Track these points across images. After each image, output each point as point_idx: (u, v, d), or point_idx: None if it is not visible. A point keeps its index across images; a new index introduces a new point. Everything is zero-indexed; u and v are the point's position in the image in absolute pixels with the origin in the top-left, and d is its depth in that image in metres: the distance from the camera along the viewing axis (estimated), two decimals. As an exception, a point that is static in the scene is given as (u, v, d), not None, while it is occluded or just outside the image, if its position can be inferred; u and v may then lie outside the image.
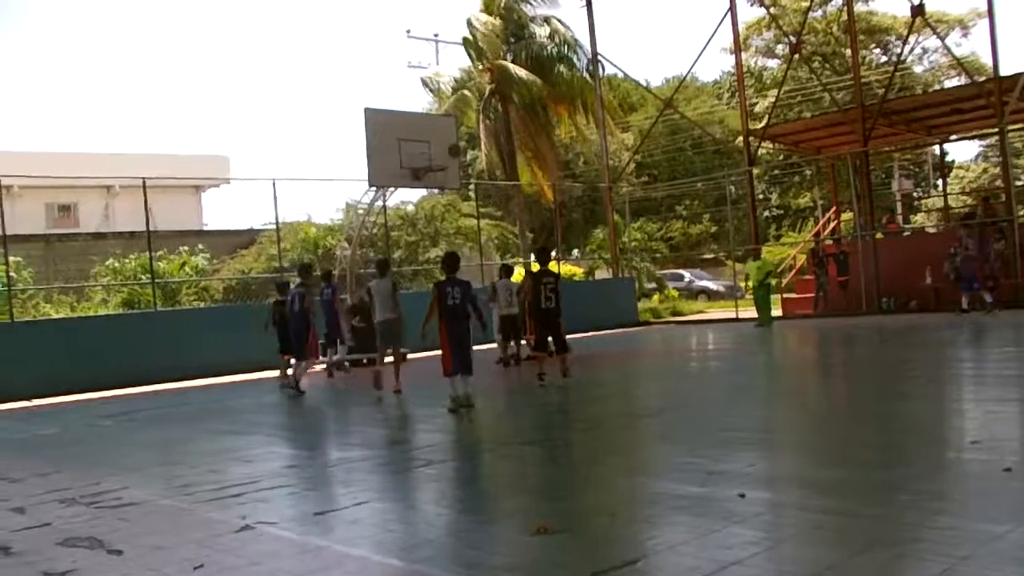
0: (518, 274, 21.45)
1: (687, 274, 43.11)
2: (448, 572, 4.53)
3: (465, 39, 34.79)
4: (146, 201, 20.57)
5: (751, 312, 24.84)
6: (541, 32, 35.04)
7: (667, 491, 5.82)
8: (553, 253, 14.80)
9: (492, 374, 15.36)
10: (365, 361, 19.40)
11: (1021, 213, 23.60)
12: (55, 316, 26.34)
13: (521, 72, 33.41)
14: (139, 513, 6.40)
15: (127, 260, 31.00)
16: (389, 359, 13.82)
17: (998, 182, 37.24)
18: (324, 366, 19.49)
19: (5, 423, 14.01)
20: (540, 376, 13.07)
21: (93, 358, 18.23)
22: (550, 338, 13.08)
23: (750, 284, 24.00)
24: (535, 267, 13.93)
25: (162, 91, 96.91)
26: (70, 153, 43.09)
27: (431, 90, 34.96)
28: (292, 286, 16.15)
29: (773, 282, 25.32)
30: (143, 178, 20.34)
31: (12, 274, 21.63)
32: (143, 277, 27.86)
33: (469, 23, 33.87)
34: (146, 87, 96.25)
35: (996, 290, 21.33)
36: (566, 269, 33.36)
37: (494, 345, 17.70)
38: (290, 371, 15.35)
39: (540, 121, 34.94)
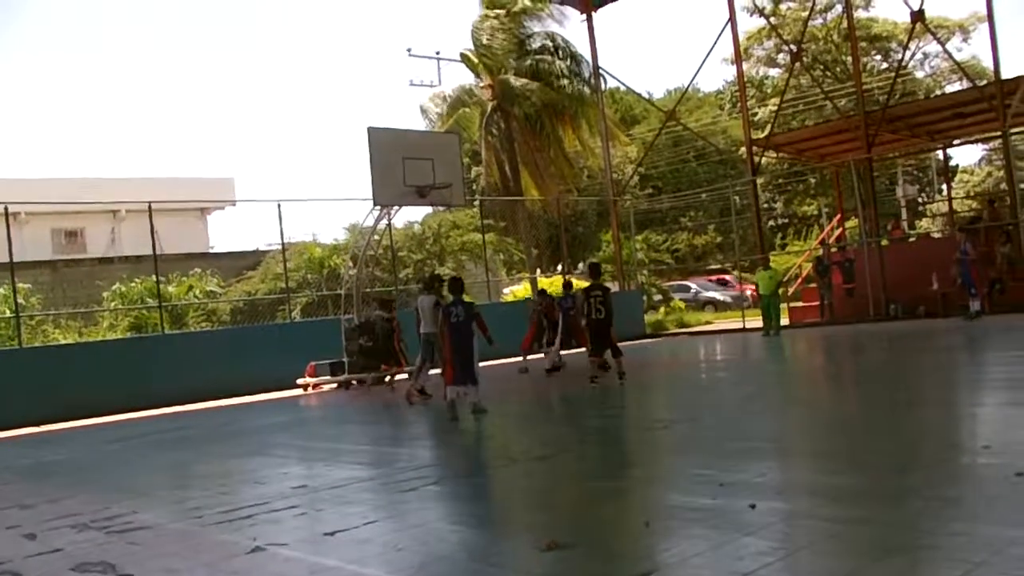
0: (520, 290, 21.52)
1: (693, 285, 43.05)
2: (460, 589, 4.52)
3: (463, 55, 34.90)
4: (152, 225, 20.64)
5: (759, 322, 24.80)
6: (543, 47, 35.13)
7: (679, 503, 5.80)
8: (590, 264, 16.06)
9: (505, 386, 15.31)
10: (369, 381, 19.42)
11: (1027, 216, 23.54)
12: (63, 341, 26.39)
13: (521, 88, 33.49)
14: (150, 537, 6.39)
15: (133, 284, 31.04)
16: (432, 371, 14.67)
17: (1002, 185, 37.24)
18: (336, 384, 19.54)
19: (15, 449, 14.02)
20: (593, 379, 14.16)
21: (101, 383, 18.24)
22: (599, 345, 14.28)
23: (759, 292, 23.99)
24: (576, 283, 16.69)
25: (166, 114, 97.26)
26: (76, 178, 43.18)
27: (429, 119, 34.96)
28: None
29: (780, 291, 25.30)
30: (149, 202, 20.41)
31: (20, 301, 21.65)
32: (150, 301, 27.90)
33: (473, 33, 33.97)
34: (150, 111, 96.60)
35: (1004, 292, 21.30)
36: (574, 284, 33.30)
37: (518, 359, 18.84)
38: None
39: (543, 135, 34.99)
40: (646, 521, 5.42)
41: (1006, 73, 23.94)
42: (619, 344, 14.48)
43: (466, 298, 13.20)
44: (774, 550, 4.66)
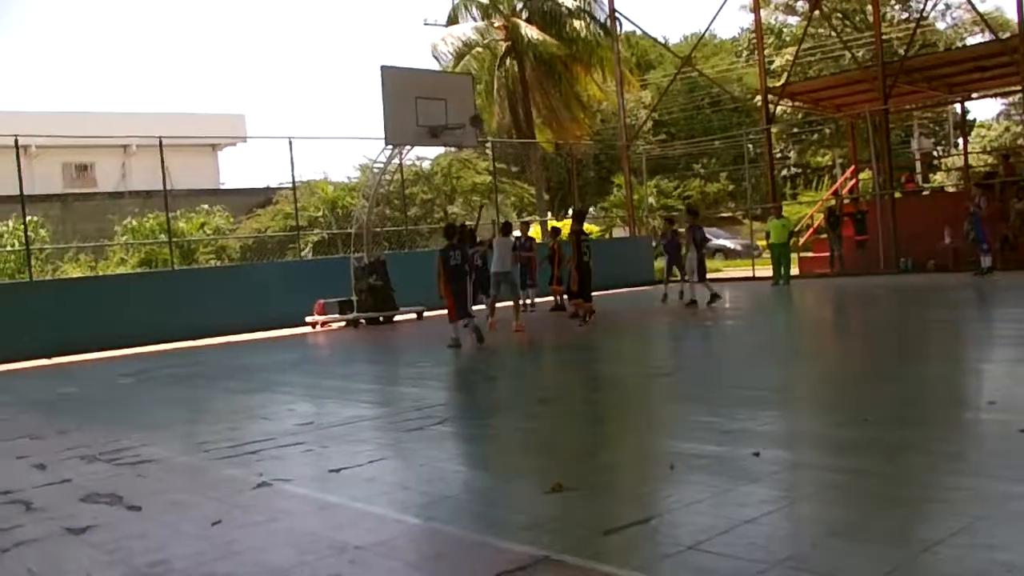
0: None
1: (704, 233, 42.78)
2: (465, 530, 4.56)
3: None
4: (163, 160, 20.62)
5: (768, 271, 24.75)
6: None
7: (683, 450, 5.82)
8: (576, 211, 17.65)
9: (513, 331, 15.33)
10: (381, 319, 19.54)
11: (1043, 172, 23.35)
12: (74, 275, 26.48)
13: (534, 32, 33.14)
14: (158, 470, 6.46)
15: (145, 219, 31.05)
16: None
17: (1020, 141, 36.95)
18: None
19: (26, 382, 14.15)
20: (583, 318, 15.18)
21: (112, 317, 18.33)
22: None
23: (770, 241, 23.92)
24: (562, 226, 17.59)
25: (178, 50, 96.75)
26: (87, 113, 43.04)
27: (440, 62, 34.52)
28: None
29: (791, 241, 25.20)
30: (159, 137, 20.34)
31: (30, 233, 21.68)
32: (161, 236, 27.93)
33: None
34: (162, 46, 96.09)
35: (1016, 249, 21.20)
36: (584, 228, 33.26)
37: (549, 297, 19.91)
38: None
39: (556, 79, 34.70)
40: (671, 464, 5.44)
41: (1029, 25, 23.58)
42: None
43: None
44: (777, 499, 4.69)
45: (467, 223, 19.99)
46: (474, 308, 15.66)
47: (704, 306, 17.65)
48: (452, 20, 35.48)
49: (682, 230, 19.52)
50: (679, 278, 19.78)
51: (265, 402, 9.87)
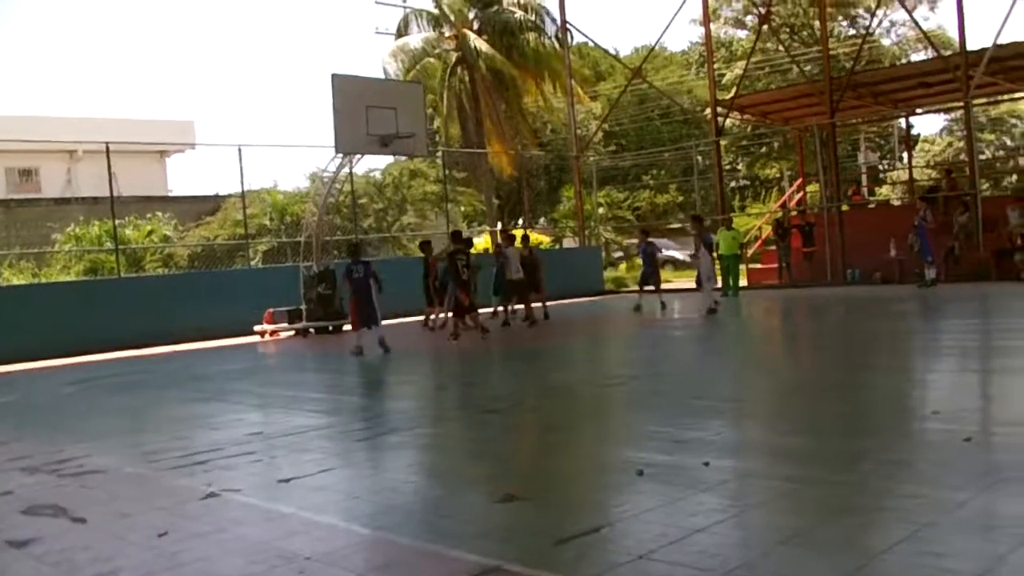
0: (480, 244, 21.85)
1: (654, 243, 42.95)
2: (415, 539, 4.53)
3: (423, 9, 34.65)
4: (109, 166, 20.33)
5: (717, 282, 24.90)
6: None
7: (634, 459, 5.84)
8: (454, 231, 18.12)
9: (477, 338, 15.32)
10: (331, 328, 19.43)
11: (984, 187, 23.80)
12: (16, 283, 26.02)
13: (483, 45, 33.25)
14: (103, 481, 6.36)
15: (90, 226, 30.58)
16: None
17: (962, 156, 37.56)
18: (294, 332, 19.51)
19: (-35, 390, 13.86)
20: (455, 336, 15.62)
21: (55, 325, 18.03)
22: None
23: (719, 252, 24.10)
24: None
25: (126, 54, 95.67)
26: (32, 116, 42.26)
27: (389, 73, 34.41)
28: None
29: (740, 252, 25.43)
30: (106, 142, 20.06)
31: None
32: (107, 244, 27.53)
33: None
34: (110, 50, 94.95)
35: (959, 263, 21.59)
36: (534, 237, 33.31)
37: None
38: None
39: (506, 90, 34.79)
40: (640, 471, 5.45)
41: (971, 44, 24.12)
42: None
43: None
44: (727, 507, 4.72)
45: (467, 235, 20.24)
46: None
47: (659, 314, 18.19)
48: (401, 32, 35.43)
49: (655, 240, 19.90)
50: (654, 288, 19.82)
51: (213, 411, 9.75)
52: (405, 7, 35.11)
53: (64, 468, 6.81)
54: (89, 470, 6.69)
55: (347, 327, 19.76)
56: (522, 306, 18.26)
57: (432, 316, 18.76)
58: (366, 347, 14.01)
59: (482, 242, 35.62)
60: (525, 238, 19.07)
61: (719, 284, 18.20)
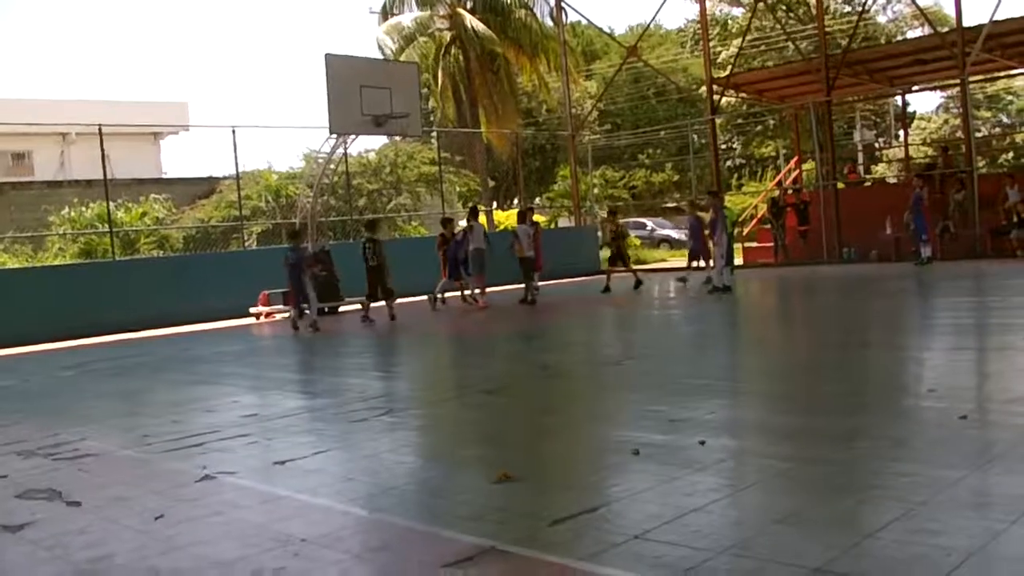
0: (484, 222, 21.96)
1: (649, 223, 43.06)
2: (411, 520, 4.54)
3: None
4: (103, 148, 20.23)
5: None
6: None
7: (630, 439, 5.83)
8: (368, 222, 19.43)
9: (459, 319, 15.35)
10: (326, 310, 19.38)
11: (980, 164, 23.78)
12: (11, 266, 25.94)
13: (478, 25, 33.09)
14: (98, 464, 6.35)
15: (84, 209, 30.45)
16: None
17: (958, 133, 37.50)
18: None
19: (-39, 374, 13.83)
20: (366, 318, 16.59)
21: (51, 309, 17.99)
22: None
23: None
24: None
25: (119, 36, 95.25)
26: (24, 99, 42.06)
27: (384, 53, 34.15)
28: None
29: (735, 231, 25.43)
30: (99, 125, 19.96)
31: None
32: (101, 226, 27.43)
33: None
34: (102, 31, 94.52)
35: (956, 239, 21.61)
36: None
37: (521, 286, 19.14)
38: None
39: (500, 70, 34.66)
40: (636, 450, 5.45)
41: (967, 21, 23.97)
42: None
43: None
44: (723, 487, 4.73)
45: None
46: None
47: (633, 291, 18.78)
48: (387, 11, 35.17)
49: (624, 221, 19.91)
50: (703, 265, 20.14)
51: (209, 394, 9.75)
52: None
53: (59, 452, 6.80)
54: (84, 454, 6.68)
55: (343, 308, 19.86)
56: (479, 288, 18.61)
57: (468, 292, 19.51)
58: (302, 325, 16.01)
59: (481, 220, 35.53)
60: (523, 214, 19.33)
61: (712, 264, 18.15)
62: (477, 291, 18.70)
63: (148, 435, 7.22)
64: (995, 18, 22.56)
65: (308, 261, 19.13)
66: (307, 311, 16.40)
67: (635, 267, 20.95)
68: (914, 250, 21.27)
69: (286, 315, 19.53)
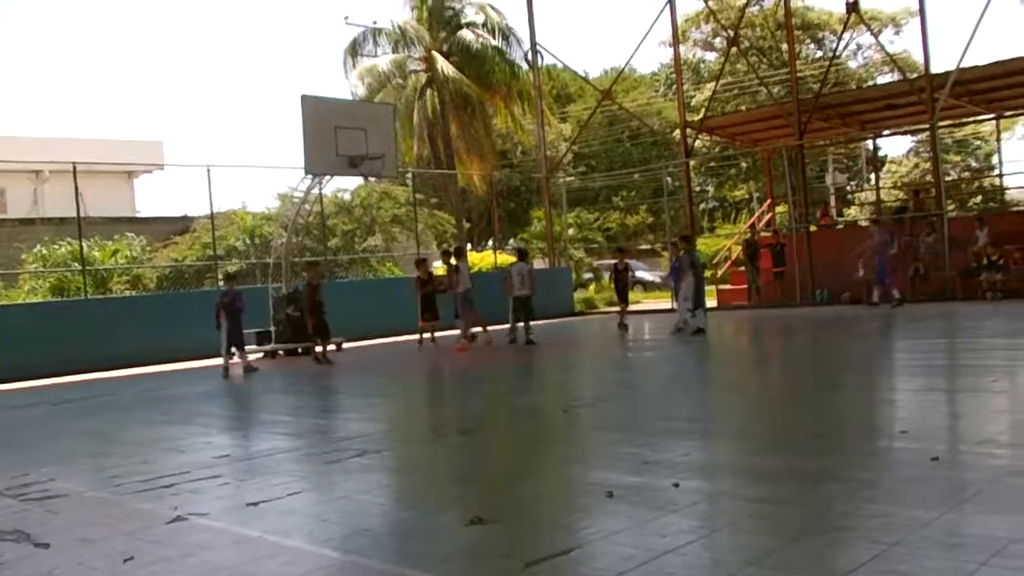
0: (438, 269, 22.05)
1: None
2: (383, 562, 4.51)
3: (391, 31, 34.71)
4: (76, 186, 20.16)
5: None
6: (476, 19, 35.04)
7: (603, 480, 5.83)
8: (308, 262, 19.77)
9: (431, 360, 15.30)
10: (300, 350, 19.29)
11: (950, 207, 24.05)
12: (-19, 304, 25.69)
13: (450, 70, 33.37)
14: (68, 505, 6.27)
15: (57, 247, 30.25)
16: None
17: (928, 177, 38.01)
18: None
19: (-72, 413, 13.65)
20: (319, 357, 17.10)
21: (21, 347, 17.83)
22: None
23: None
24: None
25: (94, 74, 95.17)
26: (-3, 136, 41.91)
27: (356, 94, 34.35)
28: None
29: (708, 273, 25.58)
30: (73, 163, 19.91)
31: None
32: (73, 264, 27.26)
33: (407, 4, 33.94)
34: (77, 69, 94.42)
35: (927, 281, 21.85)
36: (503, 259, 33.26)
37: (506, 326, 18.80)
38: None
39: (475, 112, 34.88)
40: (609, 492, 5.44)
41: (936, 67, 24.44)
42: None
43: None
44: (696, 528, 4.72)
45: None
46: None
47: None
48: (352, 51, 35.37)
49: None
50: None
51: (180, 434, 9.65)
52: (376, 27, 35.19)
53: (28, 492, 6.71)
54: (53, 494, 6.60)
55: (318, 348, 19.71)
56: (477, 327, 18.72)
57: (476, 331, 19.20)
58: (232, 371, 15.88)
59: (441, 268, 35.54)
60: (524, 253, 19.22)
61: (691, 306, 18.12)
62: (476, 329, 18.85)
63: (118, 475, 7.15)
64: (962, 65, 22.93)
65: (282, 302, 19.14)
66: (236, 356, 16.26)
67: (615, 308, 20.98)
68: (890, 293, 21.28)
69: (260, 355, 19.46)
